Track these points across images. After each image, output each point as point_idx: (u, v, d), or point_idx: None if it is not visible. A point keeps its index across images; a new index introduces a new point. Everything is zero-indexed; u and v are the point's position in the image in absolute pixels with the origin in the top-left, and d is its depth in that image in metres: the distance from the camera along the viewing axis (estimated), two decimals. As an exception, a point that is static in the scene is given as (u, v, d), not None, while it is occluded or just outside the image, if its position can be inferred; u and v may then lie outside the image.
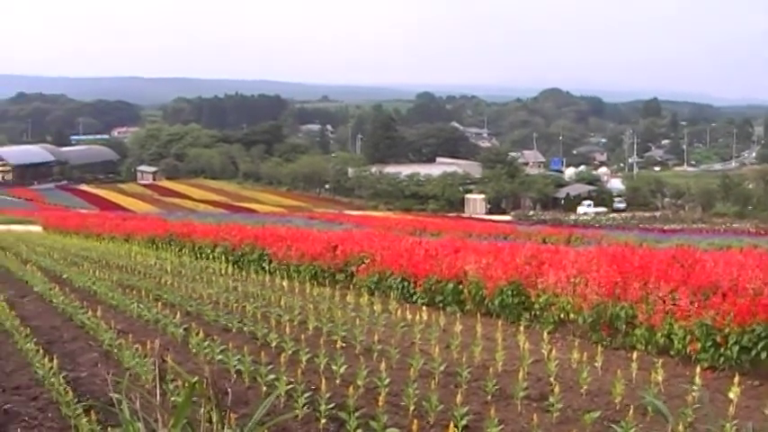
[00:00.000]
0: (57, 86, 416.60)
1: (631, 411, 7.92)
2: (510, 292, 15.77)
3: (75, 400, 8.59)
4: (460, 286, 17.31)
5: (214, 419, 5.95)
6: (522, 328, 13.15)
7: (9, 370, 11.38)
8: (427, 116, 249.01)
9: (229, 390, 7.70)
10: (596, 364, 11.10)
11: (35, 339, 12.20)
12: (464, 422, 8.22)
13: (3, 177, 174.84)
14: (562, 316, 14.43)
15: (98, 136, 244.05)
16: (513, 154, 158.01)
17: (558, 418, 8.84)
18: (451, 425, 7.01)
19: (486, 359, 11.67)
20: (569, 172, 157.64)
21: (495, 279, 16.21)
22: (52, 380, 9.56)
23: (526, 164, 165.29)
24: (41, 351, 11.01)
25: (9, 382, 10.63)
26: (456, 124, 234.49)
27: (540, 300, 15.01)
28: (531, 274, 16.02)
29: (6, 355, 12.40)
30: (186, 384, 8.57)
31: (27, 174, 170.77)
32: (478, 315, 14.41)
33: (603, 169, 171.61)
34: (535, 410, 8.98)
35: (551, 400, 8.89)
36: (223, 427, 5.94)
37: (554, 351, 11.22)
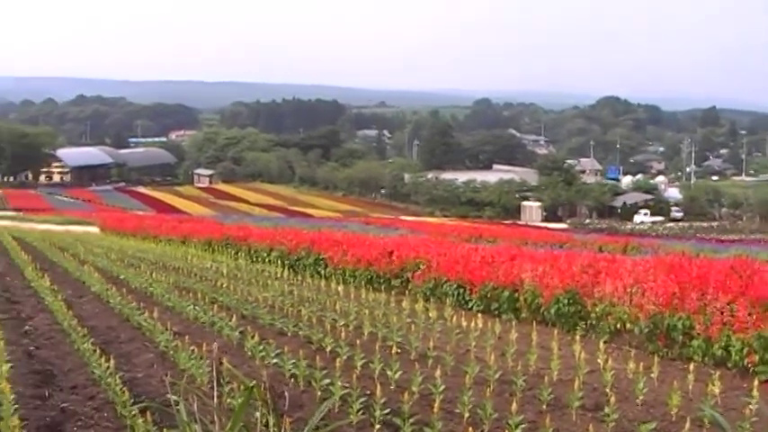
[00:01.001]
0: (116, 89, 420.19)
1: (688, 424, 7.85)
2: (566, 301, 15.69)
3: (131, 400, 8.64)
4: (516, 294, 17.24)
5: (270, 423, 5.98)
6: (577, 338, 13.03)
7: (66, 369, 11.46)
8: (484, 122, 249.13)
9: (287, 394, 7.72)
10: (652, 375, 11.01)
11: (92, 339, 12.25)
12: (518, 430, 8.18)
13: (61, 179, 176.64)
14: (618, 326, 14.34)
15: (156, 139, 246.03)
16: (569, 161, 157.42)
17: (613, 428, 8.77)
18: (507, 433, 7.00)
19: (541, 368, 11.63)
20: (626, 180, 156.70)
21: (551, 287, 16.14)
22: (109, 380, 9.61)
23: (583, 172, 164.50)
24: (98, 351, 11.07)
25: (66, 382, 10.71)
26: (513, 131, 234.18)
27: (597, 309, 14.92)
28: (588, 282, 15.92)
29: (64, 354, 12.49)
30: (243, 388, 8.64)
31: (85, 175, 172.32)
32: (534, 323, 14.34)
33: (661, 178, 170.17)
34: (590, 420, 8.93)
35: (607, 410, 8.82)
36: (279, 430, 5.96)
37: (610, 361, 11.14)
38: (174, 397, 6.46)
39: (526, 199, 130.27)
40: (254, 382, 6.17)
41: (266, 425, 6.00)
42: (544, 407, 9.59)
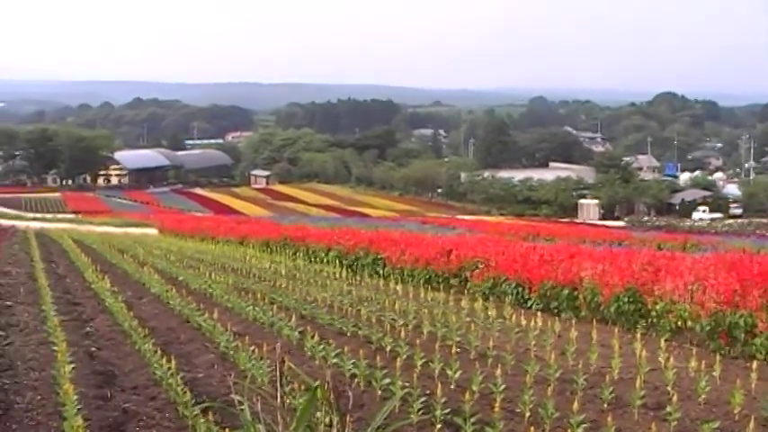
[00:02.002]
0: (172, 92, 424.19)
1: (752, 423, 7.76)
2: (626, 299, 15.58)
3: (193, 400, 8.68)
4: (576, 292, 17.16)
5: (334, 423, 5.98)
6: (638, 336, 12.94)
7: (128, 370, 11.53)
8: (540, 120, 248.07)
9: (350, 394, 7.72)
10: (714, 374, 10.90)
11: (153, 340, 12.32)
12: (580, 430, 8.13)
13: (119, 181, 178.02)
14: (679, 324, 14.22)
15: (212, 140, 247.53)
16: (626, 159, 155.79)
17: (675, 427, 8.69)
18: (569, 432, 6.96)
19: (601, 366, 11.56)
20: (684, 177, 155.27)
21: (611, 285, 16.04)
22: (170, 380, 9.66)
23: (640, 169, 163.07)
24: (159, 352, 11.13)
25: (128, 382, 10.78)
26: (569, 129, 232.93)
27: (657, 307, 14.80)
28: (648, 280, 15.80)
29: (125, 355, 12.58)
30: (305, 387, 8.65)
31: (143, 177, 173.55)
32: (594, 322, 14.25)
33: (719, 174, 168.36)
34: (652, 420, 8.85)
35: (669, 409, 8.74)
36: (343, 430, 5.96)
37: (671, 359, 11.03)
38: (238, 397, 6.47)
39: (583, 197, 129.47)
40: (318, 381, 6.18)
41: (330, 425, 6.00)
42: (605, 406, 9.53)
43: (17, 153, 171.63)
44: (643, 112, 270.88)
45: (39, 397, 9.84)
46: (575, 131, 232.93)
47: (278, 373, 6.56)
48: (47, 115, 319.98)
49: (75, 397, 8.11)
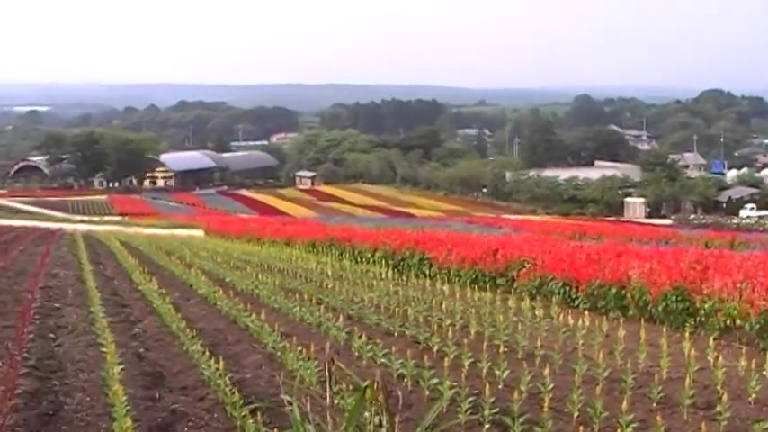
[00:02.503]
0: (217, 94, 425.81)
1: (804, 422, 7.70)
2: (674, 298, 15.47)
3: (241, 401, 8.70)
4: (623, 291, 17.07)
5: (384, 423, 5.97)
6: (686, 335, 12.85)
7: (176, 371, 11.58)
8: (585, 119, 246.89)
9: (400, 394, 7.72)
10: (764, 373, 10.82)
11: (200, 341, 12.36)
12: (629, 429, 8.09)
13: (165, 183, 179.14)
14: (728, 322, 14.11)
15: (257, 142, 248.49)
16: (673, 156, 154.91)
17: (725, 427, 8.62)
18: (618, 432, 6.92)
19: (650, 365, 11.50)
20: (731, 174, 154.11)
21: (658, 284, 15.94)
22: (218, 381, 9.69)
23: (686, 166, 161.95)
24: (207, 353, 11.17)
25: (176, 383, 10.83)
26: (615, 127, 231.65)
27: (706, 305, 14.70)
28: (696, 279, 15.69)
29: (173, 356, 12.63)
30: (353, 387, 8.66)
31: (189, 179, 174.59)
32: (642, 321, 14.17)
33: (767, 171, 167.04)
34: (702, 419, 8.80)
35: (719, 408, 8.67)
36: (393, 430, 5.96)
37: (720, 358, 10.92)
38: (287, 397, 6.48)
39: (629, 195, 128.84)
40: (368, 381, 6.18)
41: (379, 424, 6.00)
42: (654, 405, 9.49)
43: (64, 156, 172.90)
44: (689, 110, 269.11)
45: (88, 398, 9.89)
46: (620, 129, 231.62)
47: (327, 373, 6.57)
48: (93, 119, 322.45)
49: (125, 398, 8.15)
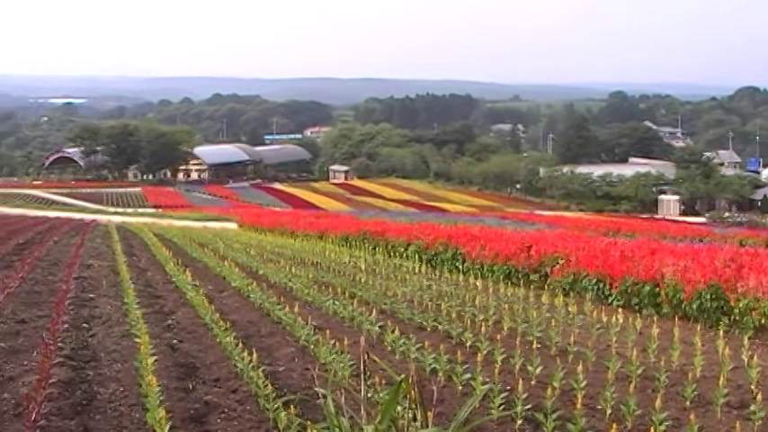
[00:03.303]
0: (251, 88, 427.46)
1: (839, 422, 7.64)
2: (708, 296, 15.39)
3: (274, 393, 8.70)
4: (657, 289, 16.98)
5: (418, 417, 5.97)
6: (720, 333, 12.80)
7: (209, 362, 11.60)
8: (620, 115, 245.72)
9: (435, 388, 7.71)
10: (800, 372, 10.78)
11: (234, 333, 12.39)
12: (662, 427, 8.05)
13: (199, 176, 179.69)
14: (763, 321, 14.04)
15: (291, 135, 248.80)
16: (707, 154, 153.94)
17: (760, 427, 8.56)
18: (651, 430, 6.89)
19: (684, 364, 11.44)
20: (766, 172, 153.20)
21: (693, 282, 15.85)
22: (251, 373, 9.70)
23: (721, 164, 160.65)
24: (240, 345, 11.19)
25: (209, 375, 10.85)
26: (649, 123, 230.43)
27: (740, 304, 14.62)
28: (731, 277, 15.60)
29: (206, 348, 12.65)
30: (387, 382, 8.65)
31: (222, 172, 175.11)
32: (676, 318, 14.12)
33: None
34: (736, 418, 8.74)
35: (753, 407, 8.63)
36: (427, 426, 5.95)
37: (755, 357, 10.86)
38: (322, 390, 6.48)
39: (663, 192, 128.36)
40: (403, 375, 6.17)
41: (413, 418, 5.99)
42: (688, 404, 9.44)
43: (99, 148, 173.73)
44: (724, 107, 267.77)
45: (121, 388, 9.93)
46: (655, 126, 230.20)
47: (362, 367, 6.57)
48: (128, 111, 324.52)
49: (158, 389, 8.19)
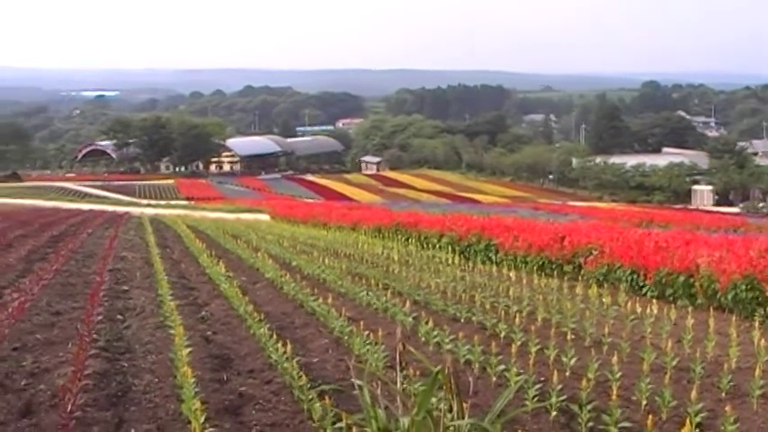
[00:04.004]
0: (283, 79, 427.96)
1: None
2: (744, 287, 15.28)
3: (308, 384, 8.72)
4: (692, 279, 16.89)
5: (454, 408, 5.96)
6: (756, 324, 12.73)
7: (243, 354, 11.63)
8: (652, 105, 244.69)
9: (470, 380, 7.71)
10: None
11: (267, 325, 12.42)
12: (698, 419, 8.00)
13: (231, 168, 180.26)
14: (799, 312, 13.97)
15: (323, 127, 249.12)
16: (742, 144, 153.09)
17: (796, 418, 8.55)
18: (687, 421, 6.85)
19: (719, 355, 11.37)
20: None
21: (728, 273, 15.76)
22: (285, 364, 9.72)
23: (755, 154, 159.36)
24: (274, 336, 11.22)
25: (243, 366, 10.87)
26: (682, 113, 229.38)
27: (776, 294, 14.54)
28: (766, 268, 15.51)
29: (240, 339, 12.69)
30: (421, 373, 8.65)
31: (255, 164, 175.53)
32: (710, 309, 14.05)
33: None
34: (773, 409, 8.73)
35: (789, 399, 8.60)
36: (463, 417, 5.95)
37: (791, 348, 10.84)
38: (357, 381, 6.48)
39: (697, 183, 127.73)
40: (439, 366, 6.16)
41: (449, 410, 5.99)
42: (723, 395, 9.38)
43: (131, 141, 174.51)
44: (758, 96, 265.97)
45: (156, 379, 9.98)
46: (688, 116, 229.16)
47: (398, 358, 6.57)
48: (159, 103, 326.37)
49: (193, 380, 8.22)
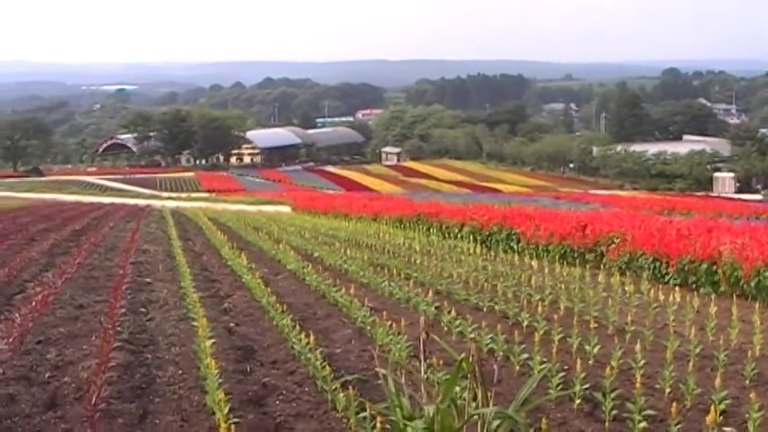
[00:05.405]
0: (302, 71, 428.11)
1: None
2: (767, 274, 15.26)
3: (332, 375, 8.73)
4: (715, 267, 16.85)
5: (478, 396, 5.97)
6: (780, 311, 12.72)
7: (266, 345, 11.66)
8: (673, 93, 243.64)
9: (495, 368, 7.71)
10: None
11: (290, 316, 12.44)
12: (722, 406, 8.00)
13: (252, 160, 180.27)
14: (822, 299, 13.92)
15: (343, 118, 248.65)
16: (763, 131, 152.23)
17: (821, 404, 8.51)
18: (711, 409, 6.84)
19: (742, 342, 11.34)
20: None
21: (751, 260, 15.72)
22: (308, 355, 9.75)
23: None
24: (297, 327, 11.23)
25: (267, 357, 10.91)
26: (703, 101, 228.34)
27: (799, 282, 14.50)
28: (789, 255, 15.48)
29: (263, 330, 12.72)
30: (444, 362, 8.65)
31: (275, 156, 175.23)
32: (734, 297, 14.02)
33: None
34: (797, 397, 8.70)
35: (814, 386, 8.57)
36: (487, 405, 5.95)
37: (815, 336, 10.81)
38: (382, 370, 6.48)
39: (718, 170, 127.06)
40: (463, 355, 6.17)
41: (474, 398, 5.99)
42: (747, 382, 9.38)
43: (152, 134, 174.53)
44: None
45: (180, 371, 10.02)
46: (709, 103, 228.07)
47: (422, 347, 6.57)
48: (179, 97, 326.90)
49: (216, 371, 8.25)
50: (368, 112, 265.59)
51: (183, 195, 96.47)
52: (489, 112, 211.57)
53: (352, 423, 7.62)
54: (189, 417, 8.32)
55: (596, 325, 12.06)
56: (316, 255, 23.34)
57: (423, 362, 6.74)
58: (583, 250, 22.14)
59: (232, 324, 13.23)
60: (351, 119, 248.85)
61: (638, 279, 17.52)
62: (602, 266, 20.23)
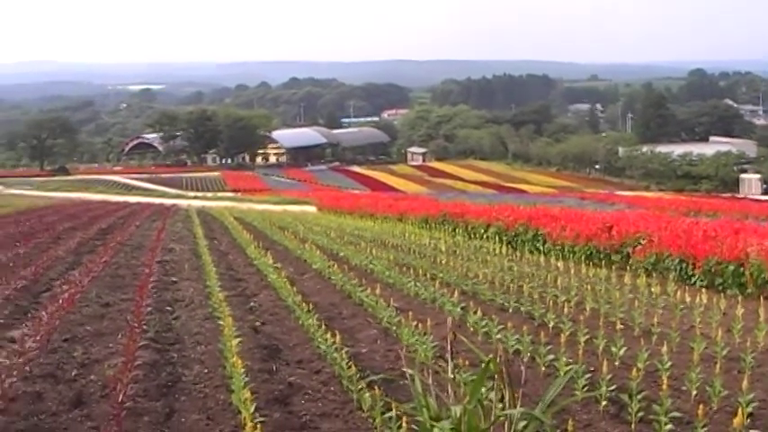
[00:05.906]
0: (328, 71, 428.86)
1: None
2: (794, 276, 15.21)
3: (357, 374, 8.74)
4: (742, 268, 16.78)
5: (505, 397, 5.96)
6: (807, 313, 12.64)
7: (292, 344, 11.68)
8: (699, 94, 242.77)
9: (523, 369, 7.70)
10: None
11: (316, 315, 12.46)
12: (749, 409, 7.96)
13: (277, 159, 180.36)
14: None
15: (368, 118, 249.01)
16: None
17: None
18: (739, 411, 6.81)
19: (770, 344, 11.32)
20: None
21: (778, 261, 15.67)
22: (334, 354, 9.78)
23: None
24: (322, 327, 11.25)
25: (292, 356, 10.93)
26: (730, 101, 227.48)
27: (827, 283, 14.43)
28: (817, 256, 15.41)
29: (288, 330, 12.74)
30: (470, 363, 8.65)
31: (300, 156, 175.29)
32: (761, 298, 13.95)
33: None
34: (825, 399, 8.66)
35: (842, 388, 8.53)
36: (514, 406, 5.94)
37: (843, 338, 10.76)
38: (409, 370, 6.48)
39: (745, 171, 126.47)
40: (491, 356, 6.16)
41: (500, 399, 5.98)
42: (774, 385, 9.32)
43: (178, 134, 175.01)
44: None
45: (206, 370, 10.06)
46: (735, 104, 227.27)
47: (449, 347, 6.57)
48: (205, 96, 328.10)
49: (242, 370, 8.27)
50: (393, 112, 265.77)
51: (209, 195, 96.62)
52: (515, 112, 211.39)
53: (377, 423, 7.64)
54: (214, 415, 8.35)
55: (622, 326, 12.02)
56: (341, 254, 23.35)
57: (450, 362, 6.73)
58: (609, 251, 22.08)
59: (258, 323, 13.25)
60: (376, 119, 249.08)
61: (664, 280, 17.46)
62: (628, 268, 20.17)
